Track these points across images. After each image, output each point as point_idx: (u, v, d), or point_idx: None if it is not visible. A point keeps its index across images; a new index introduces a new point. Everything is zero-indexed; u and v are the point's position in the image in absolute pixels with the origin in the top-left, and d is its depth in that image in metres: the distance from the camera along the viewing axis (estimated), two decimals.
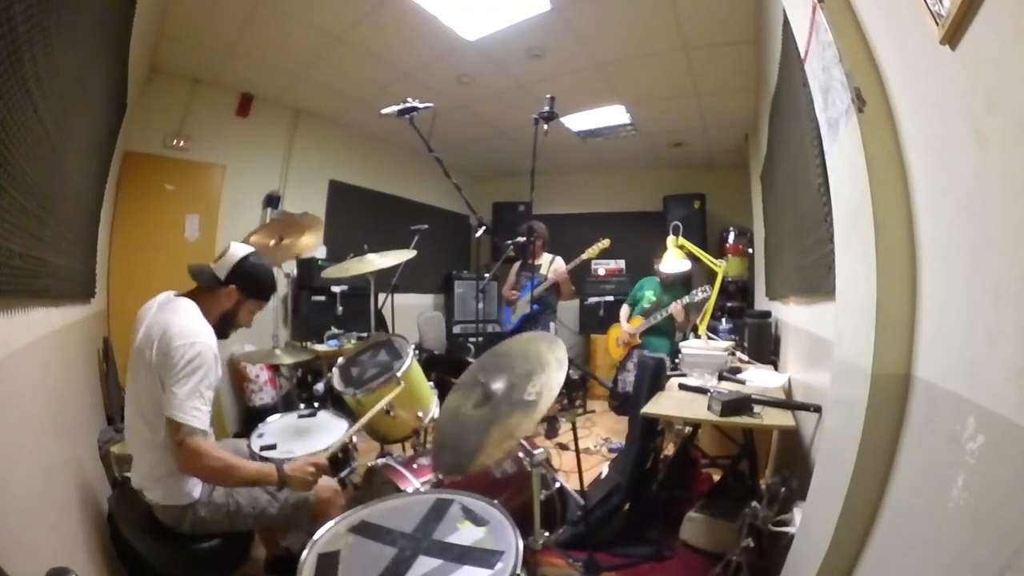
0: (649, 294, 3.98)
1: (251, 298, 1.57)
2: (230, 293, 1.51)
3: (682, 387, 2.28)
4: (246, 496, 1.47)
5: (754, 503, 1.60)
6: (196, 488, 1.41)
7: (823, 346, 1.63)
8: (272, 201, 4.01)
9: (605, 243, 3.93)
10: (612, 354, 4.10)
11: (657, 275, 3.93)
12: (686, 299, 3.57)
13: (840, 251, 1.31)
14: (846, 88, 1.07)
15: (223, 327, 1.54)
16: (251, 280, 1.55)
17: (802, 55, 1.44)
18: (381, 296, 3.48)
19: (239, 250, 1.55)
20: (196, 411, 1.30)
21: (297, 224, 2.46)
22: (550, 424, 3.46)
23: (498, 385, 1.44)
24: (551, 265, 4.05)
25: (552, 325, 3.99)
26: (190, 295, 1.49)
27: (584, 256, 4.00)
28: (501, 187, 6.13)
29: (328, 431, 1.99)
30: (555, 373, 1.33)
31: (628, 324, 4.03)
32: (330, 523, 1.19)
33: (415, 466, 1.78)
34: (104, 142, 2.31)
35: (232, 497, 1.45)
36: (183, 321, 1.38)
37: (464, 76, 3.63)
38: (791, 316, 2.60)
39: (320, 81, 3.69)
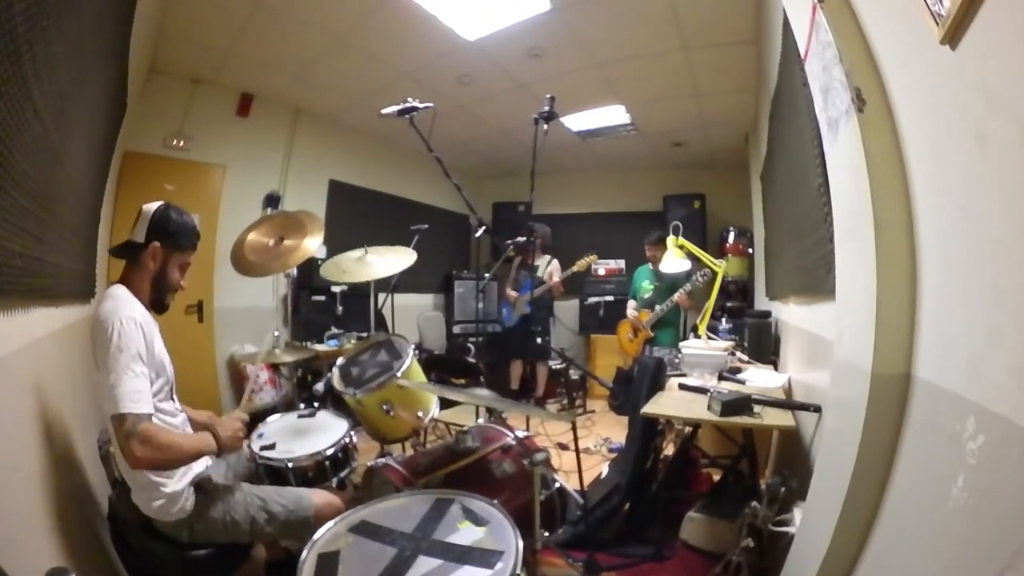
0: (645, 284, 3.97)
1: (176, 251, 1.47)
2: (154, 252, 1.42)
3: (682, 387, 2.28)
4: (243, 513, 1.45)
5: (754, 503, 1.60)
6: (188, 502, 1.39)
7: (823, 346, 1.63)
8: (272, 201, 4.02)
9: (593, 257, 4.38)
10: (627, 350, 4.07)
11: (649, 263, 3.93)
12: (688, 287, 3.53)
13: (840, 251, 1.31)
14: (846, 88, 1.07)
15: (159, 295, 1.46)
16: (170, 229, 1.43)
17: (802, 55, 1.44)
18: (381, 296, 3.49)
19: (151, 206, 1.44)
20: (136, 394, 1.18)
21: (299, 224, 2.39)
22: None
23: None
24: (548, 267, 4.38)
25: (550, 322, 4.06)
26: (121, 280, 1.42)
27: (574, 268, 4.38)
28: (501, 187, 6.13)
29: (328, 431, 1.99)
30: None
31: (635, 315, 3.99)
32: (330, 523, 1.19)
33: (415, 466, 1.78)
34: (104, 142, 2.30)
35: (229, 515, 1.43)
36: (106, 307, 1.29)
37: (464, 76, 3.63)
38: (791, 316, 2.60)
39: (320, 81, 3.69)
